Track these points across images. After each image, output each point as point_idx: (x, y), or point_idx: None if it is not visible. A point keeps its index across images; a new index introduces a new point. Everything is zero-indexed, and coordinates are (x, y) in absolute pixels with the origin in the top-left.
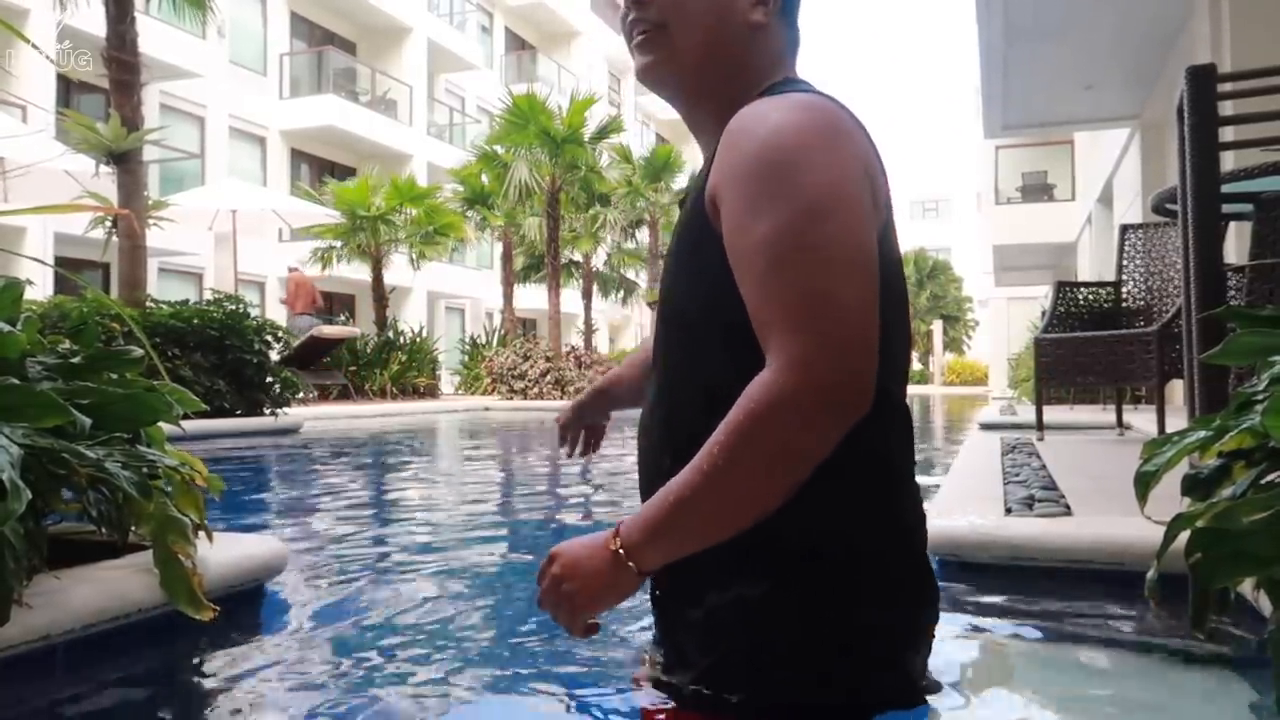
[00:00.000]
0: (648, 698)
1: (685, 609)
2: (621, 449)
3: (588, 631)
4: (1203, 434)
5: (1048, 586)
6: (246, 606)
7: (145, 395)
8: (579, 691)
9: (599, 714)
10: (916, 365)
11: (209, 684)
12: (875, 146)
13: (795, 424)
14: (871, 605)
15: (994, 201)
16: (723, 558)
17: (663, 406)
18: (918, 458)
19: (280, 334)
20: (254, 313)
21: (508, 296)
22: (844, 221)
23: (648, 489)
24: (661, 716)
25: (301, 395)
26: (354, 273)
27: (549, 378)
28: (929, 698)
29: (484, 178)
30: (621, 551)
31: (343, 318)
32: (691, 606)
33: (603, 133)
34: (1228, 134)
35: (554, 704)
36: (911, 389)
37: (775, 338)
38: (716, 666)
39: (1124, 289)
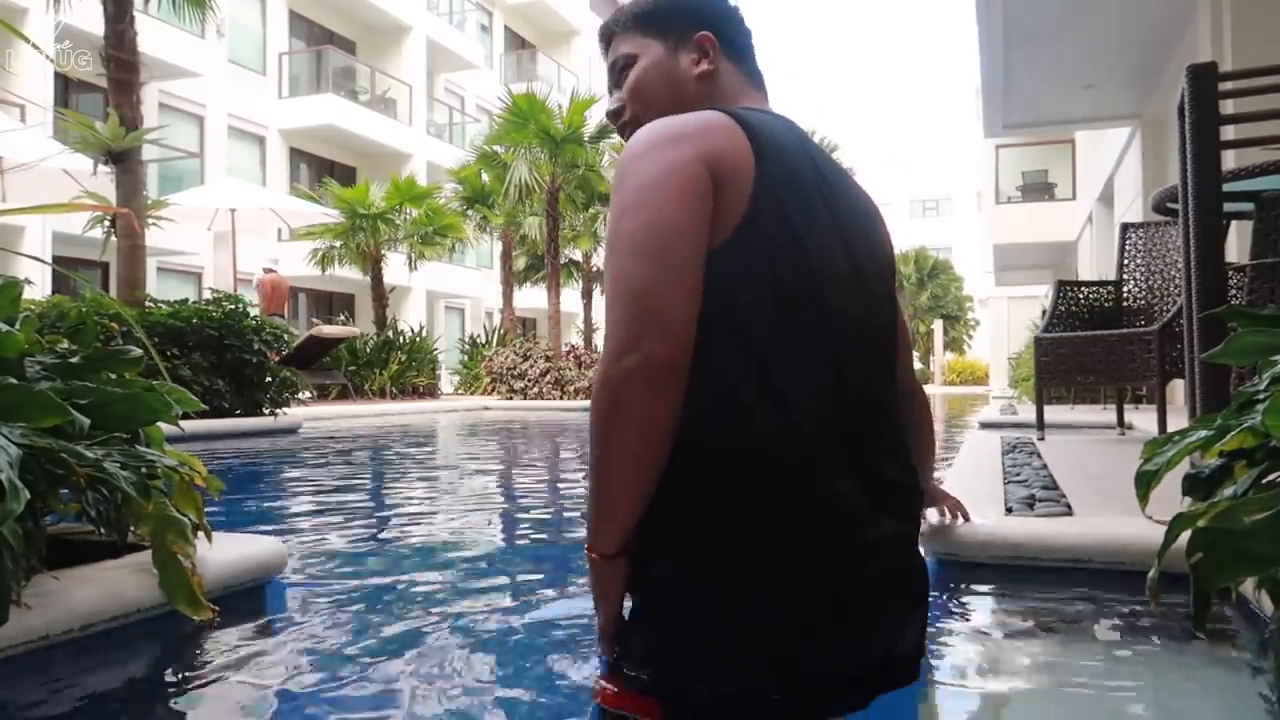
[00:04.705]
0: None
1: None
2: None
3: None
4: (1204, 433)
5: (1049, 586)
6: (246, 607)
7: (144, 395)
8: (583, 685)
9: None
10: (918, 365)
11: (208, 685)
12: (750, 144)
13: (610, 393)
14: (754, 600)
15: (994, 201)
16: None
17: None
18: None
19: (281, 333)
20: (253, 312)
21: (507, 296)
22: (646, 215)
23: None
24: (610, 690)
25: (301, 395)
26: (353, 272)
27: (549, 377)
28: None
29: (484, 177)
30: (586, 547)
31: (342, 318)
32: None
33: (603, 132)
34: (1229, 133)
35: (556, 700)
36: None
37: None
38: (624, 655)
39: (1125, 288)
